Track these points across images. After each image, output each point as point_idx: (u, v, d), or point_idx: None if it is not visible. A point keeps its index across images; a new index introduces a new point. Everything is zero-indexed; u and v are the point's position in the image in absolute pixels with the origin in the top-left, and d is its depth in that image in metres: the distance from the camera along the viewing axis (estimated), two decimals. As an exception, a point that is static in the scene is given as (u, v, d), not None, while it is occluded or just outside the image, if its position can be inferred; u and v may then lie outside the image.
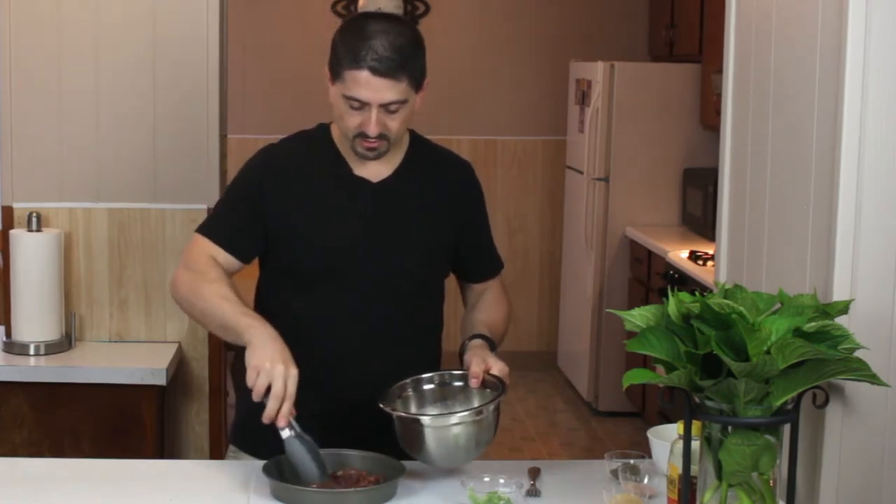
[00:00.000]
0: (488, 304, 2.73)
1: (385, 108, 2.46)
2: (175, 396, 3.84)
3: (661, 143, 6.22)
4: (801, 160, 2.31)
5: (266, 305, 2.62)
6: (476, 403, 2.42)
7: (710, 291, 2.27)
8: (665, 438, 2.41)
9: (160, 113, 3.77)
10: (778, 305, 2.05)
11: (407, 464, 2.40)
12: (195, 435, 3.88)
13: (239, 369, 2.39)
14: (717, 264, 2.82)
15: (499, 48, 7.13)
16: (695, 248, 5.47)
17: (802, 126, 2.31)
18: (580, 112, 6.58)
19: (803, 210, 2.30)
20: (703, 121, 6.09)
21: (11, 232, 3.69)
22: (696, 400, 2.00)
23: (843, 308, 2.07)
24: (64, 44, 3.73)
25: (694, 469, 2.08)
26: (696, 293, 2.10)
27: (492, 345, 2.56)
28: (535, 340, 7.27)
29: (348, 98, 2.46)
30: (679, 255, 5.44)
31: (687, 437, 2.06)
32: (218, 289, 2.47)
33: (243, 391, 2.58)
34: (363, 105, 2.46)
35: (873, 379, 1.97)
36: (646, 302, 5.58)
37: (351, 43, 2.45)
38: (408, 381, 2.49)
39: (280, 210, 2.56)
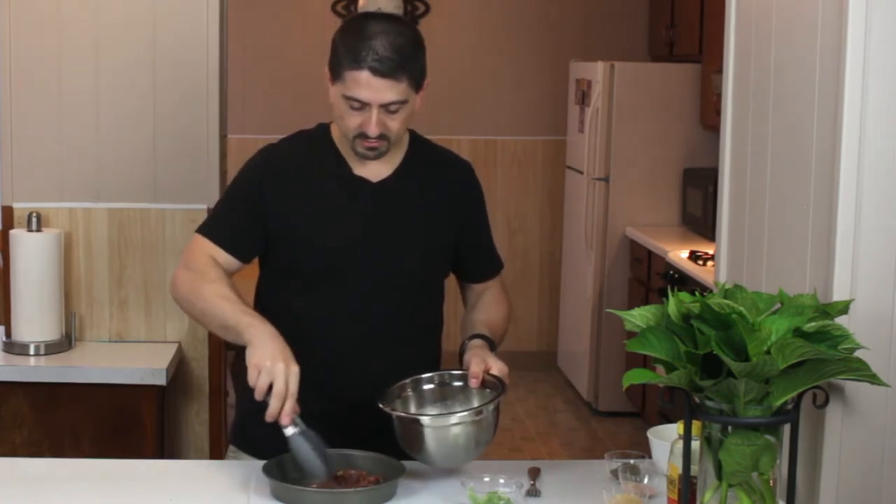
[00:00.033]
0: (488, 304, 2.73)
1: (385, 108, 2.46)
2: (175, 396, 3.84)
3: (661, 143, 6.22)
4: (801, 160, 2.31)
5: (266, 305, 2.62)
6: (476, 403, 2.42)
7: (710, 291, 2.27)
8: (665, 438, 2.41)
9: (160, 113, 3.77)
10: (778, 305, 2.05)
11: (407, 464, 2.40)
12: (195, 435, 3.88)
13: (239, 369, 2.39)
14: (717, 264, 2.82)
15: (499, 48, 7.13)
16: (695, 248, 5.47)
17: (802, 126, 2.31)
18: (580, 112, 6.58)
19: (803, 210, 2.30)
20: (703, 121, 6.09)
21: (11, 232, 3.69)
22: (696, 400, 2.00)
23: (843, 308, 2.07)
24: (64, 44, 3.73)
25: (694, 469, 2.08)
26: (696, 293, 2.10)
27: (492, 345, 2.56)
28: (535, 340, 7.27)
29: (348, 98, 2.46)
30: (679, 255, 5.44)
31: (687, 437, 2.06)
32: (218, 289, 2.47)
33: (243, 391, 2.59)
34: (363, 105, 2.46)
35: (873, 379, 1.97)
36: (646, 302, 5.58)
37: (351, 43, 2.45)
38: (407, 381, 2.49)
39: (280, 210, 2.56)
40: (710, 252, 5.21)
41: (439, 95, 6.33)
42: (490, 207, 2.80)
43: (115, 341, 3.82)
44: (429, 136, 2.72)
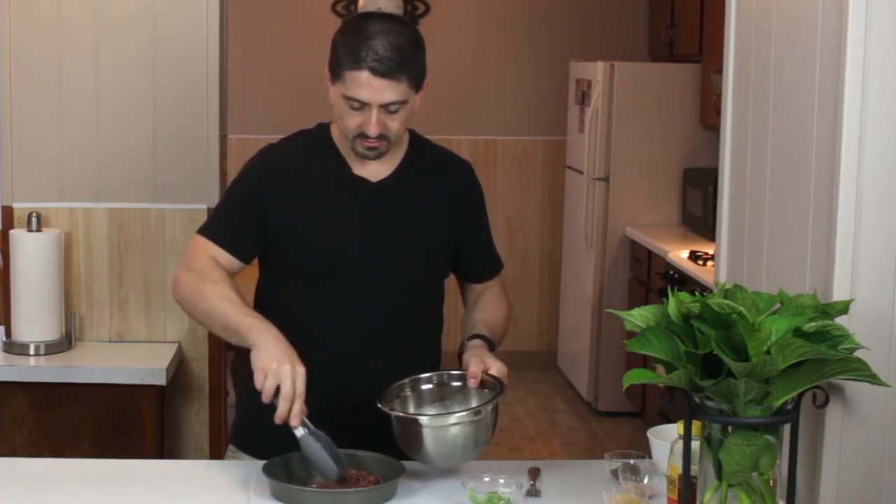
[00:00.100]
0: (488, 305, 2.73)
1: (385, 108, 2.46)
2: (175, 396, 3.84)
3: (661, 143, 6.22)
4: (801, 160, 2.31)
5: (266, 305, 2.61)
6: (474, 404, 2.42)
7: (710, 291, 2.27)
8: (665, 438, 2.41)
9: (160, 113, 3.77)
10: (778, 305, 2.05)
11: (407, 464, 2.40)
12: (195, 435, 3.88)
13: (239, 369, 2.39)
14: (717, 264, 2.82)
15: (499, 48, 7.13)
16: (695, 248, 5.47)
17: (802, 126, 2.31)
18: (580, 112, 6.58)
19: (803, 210, 2.30)
20: (703, 121, 6.09)
21: (11, 232, 3.69)
22: (696, 400, 2.00)
23: (843, 308, 2.07)
24: (64, 44, 3.73)
25: (694, 469, 2.08)
26: (696, 293, 2.10)
27: (491, 345, 2.56)
28: (535, 340, 7.27)
29: (348, 98, 2.46)
30: (679, 255, 5.44)
31: (687, 437, 2.06)
32: (220, 290, 2.47)
33: (243, 391, 2.59)
34: (363, 105, 2.46)
35: (873, 379, 1.97)
36: (646, 302, 5.58)
37: (351, 43, 2.45)
38: (406, 381, 2.49)
39: (280, 210, 2.56)
40: (710, 252, 5.21)
41: (439, 95, 6.33)
42: (490, 207, 2.80)
43: (115, 341, 3.82)
44: (429, 136, 2.72)
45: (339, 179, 2.59)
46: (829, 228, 2.18)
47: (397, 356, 2.57)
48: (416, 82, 2.49)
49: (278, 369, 2.30)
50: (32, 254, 3.63)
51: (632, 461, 2.35)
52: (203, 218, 2.69)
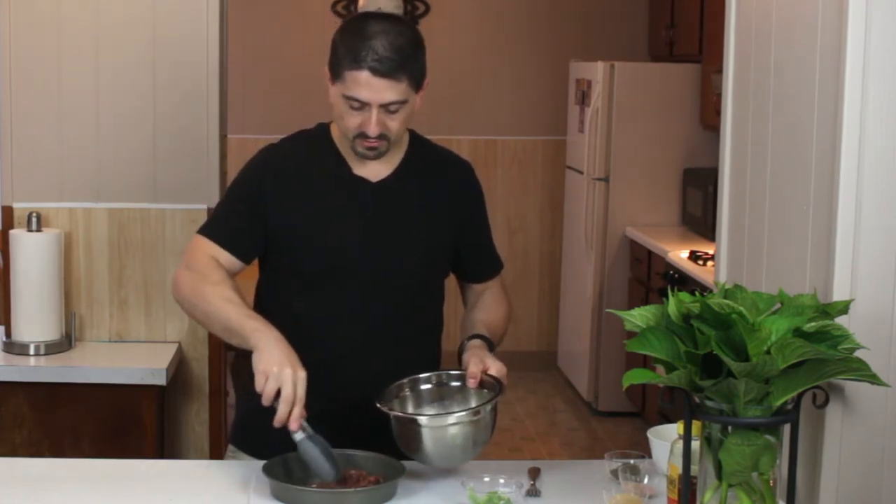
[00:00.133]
0: (488, 305, 2.73)
1: (385, 108, 2.46)
2: (175, 396, 3.84)
3: (661, 143, 6.22)
4: (801, 160, 2.31)
5: (266, 306, 2.61)
6: (473, 404, 2.42)
7: (710, 291, 2.27)
8: (665, 438, 2.41)
9: (160, 113, 3.77)
10: (778, 305, 2.05)
11: (407, 464, 2.40)
12: (195, 435, 3.88)
13: (239, 370, 2.39)
14: (717, 264, 2.82)
15: (499, 48, 7.13)
16: (695, 248, 5.47)
17: (802, 126, 2.31)
18: (580, 112, 6.58)
19: (803, 210, 2.30)
20: (703, 121, 6.09)
21: (11, 232, 3.69)
22: (696, 400, 2.00)
23: (843, 308, 2.07)
24: (64, 44, 3.73)
25: (694, 469, 2.08)
26: (696, 293, 2.10)
27: (490, 345, 2.56)
28: (535, 340, 7.27)
29: (348, 98, 2.46)
30: (679, 255, 5.44)
31: (687, 437, 2.06)
32: (221, 291, 2.47)
33: (243, 391, 2.59)
34: (363, 105, 2.46)
35: (873, 379, 1.97)
36: (646, 302, 5.58)
37: (351, 43, 2.45)
38: (405, 380, 2.49)
39: (280, 210, 2.56)
40: (710, 252, 5.21)
41: (439, 95, 6.33)
42: (490, 207, 2.80)
43: (115, 341, 3.82)
44: (429, 136, 2.72)
45: (339, 179, 2.59)
46: (829, 228, 2.18)
47: (397, 356, 2.57)
48: (416, 82, 2.49)
49: (279, 373, 2.30)
50: (32, 254, 3.63)
51: (632, 461, 2.35)
52: (203, 218, 2.69)
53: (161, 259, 3.79)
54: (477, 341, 2.55)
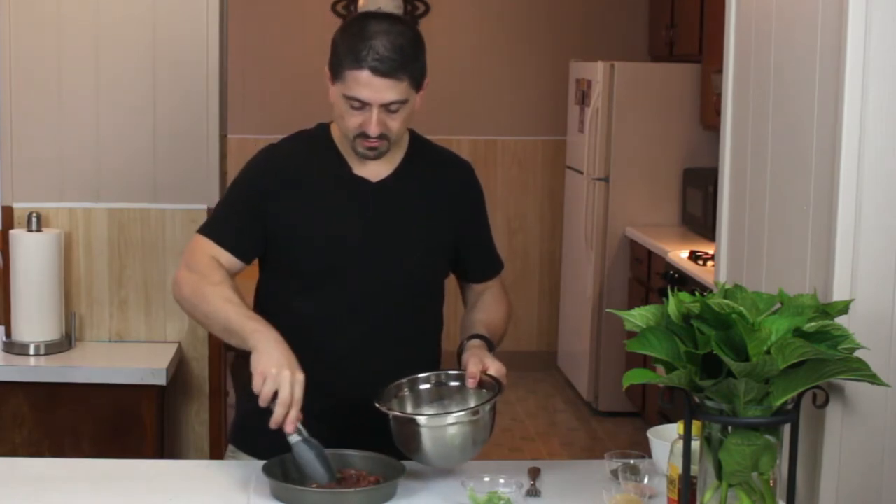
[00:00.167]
0: (488, 305, 2.73)
1: (386, 107, 2.46)
2: (175, 396, 3.84)
3: (661, 143, 6.22)
4: (801, 160, 2.31)
5: (266, 306, 2.61)
6: (472, 404, 2.42)
7: (710, 291, 2.27)
8: (665, 438, 2.41)
9: (160, 113, 3.77)
10: (778, 305, 2.05)
11: (407, 464, 2.40)
12: (195, 435, 3.88)
13: (239, 369, 2.39)
14: (717, 264, 2.82)
15: (499, 48, 7.13)
16: (695, 248, 5.47)
17: (802, 126, 2.31)
18: (580, 112, 6.58)
19: (803, 210, 2.30)
20: (703, 121, 6.09)
21: (11, 232, 3.69)
22: (696, 400, 2.00)
23: (843, 308, 2.07)
24: (64, 44, 3.73)
25: (694, 469, 2.08)
26: (696, 293, 2.09)
27: (490, 345, 2.56)
28: (535, 340, 7.27)
29: (349, 98, 2.46)
30: (679, 255, 5.44)
31: (687, 437, 2.06)
32: (222, 291, 2.47)
33: (243, 391, 2.59)
34: (364, 105, 2.46)
35: (873, 379, 1.97)
36: (646, 302, 5.58)
37: (352, 43, 2.45)
38: (404, 381, 2.49)
39: (280, 210, 2.56)
40: (710, 252, 5.21)
41: (439, 95, 6.33)
42: (490, 207, 2.80)
43: (115, 341, 3.82)
44: (429, 136, 2.72)
45: (339, 179, 2.59)
46: (829, 228, 2.18)
47: (397, 356, 2.57)
48: (417, 82, 2.49)
49: (277, 374, 2.30)
50: (32, 254, 3.63)
51: (632, 461, 2.35)
52: (203, 218, 2.69)
53: (161, 259, 3.79)
54: (476, 341, 2.55)
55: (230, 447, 2.72)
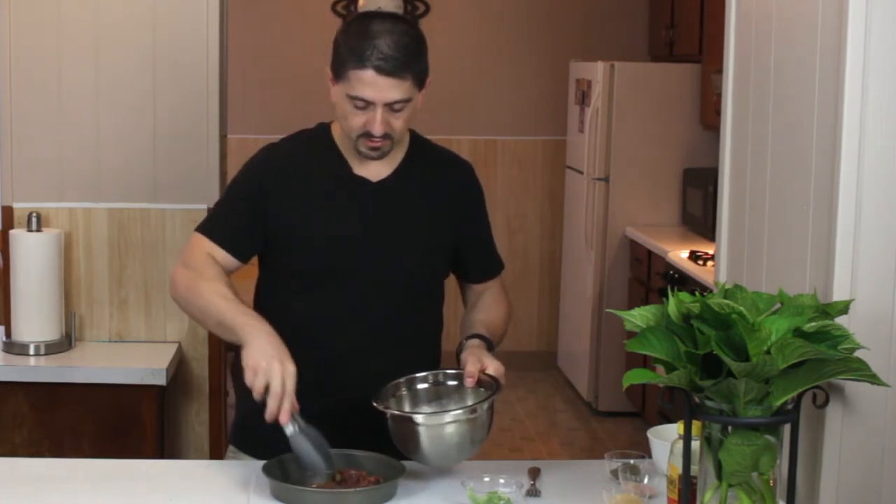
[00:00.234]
0: (488, 305, 2.73)
1: (390, 107, 2.46)
2: (175, 396, 3.84)
3: (661, 143, 6.22)
4: (801, 160, 2.31)
5: (265, 305, 2.61)
6: (470, 403, 2.42)
7: (710, 291, 2.27)
8: (665, 438, 2.41)
9: (160, 113, 3.77)
10: (778, 305, 2.05)
11: (407, 464, 2.40)
12: (195, 435, 3.88)
13: (239, 369, 2.39)
14: (717, 264, 2.82)
15: (499, 48, 7.13)
16: (695, 248, 5.47)
17: (802, 126, 2.31)
18: (580, 112, 6.59)
19: (803, 210, 2.30)
20: (703, 121, 6.09)
21: (11, 232, 3.69)
22: (696, 400, 2.00)
23: (843, 308, 2.07)
24: (64, 44, 3.73)
25: (694, 469, 2.08)
26: (696, 293, 2.10)
27: (489, 345, 2.56)
28: (535, 340, 7.27)
29: (353, 98, 2.46)
30: (679, 255, 5.44)
31: (687, 437, 2.06)
32: (216, 287, 2.47)
33: (243, 391, 2.58)
34: (368, 104, 2.45)
35: (873, 379, 1.97)
36: (646, 302, 5.58)
37: (355, 43, 2.45)
38: (402, 380, 2.49)
39: (280, 209, 2.56)
40: (710, 252, 5.21)
41: (439, 95, 6.31)
42: (490, 207, 2.80)
43: (115, 341, 3.82)
44: (429, 136, 2.72)
45: (339, 179, 2.59)
46: (829, 228, 2.18)
47: (397, 356, 2.57)
48: (420, 81, 2.49)
49: (268, 367, 2.30)
50: (32, 254, 3.63)
51: (632, 461, 2.35)
52: (203, 218, 2.69)
53: (161, 259, 3.79)
54: (475, 341, 2.55)
55: (230, 447, 2.72)
